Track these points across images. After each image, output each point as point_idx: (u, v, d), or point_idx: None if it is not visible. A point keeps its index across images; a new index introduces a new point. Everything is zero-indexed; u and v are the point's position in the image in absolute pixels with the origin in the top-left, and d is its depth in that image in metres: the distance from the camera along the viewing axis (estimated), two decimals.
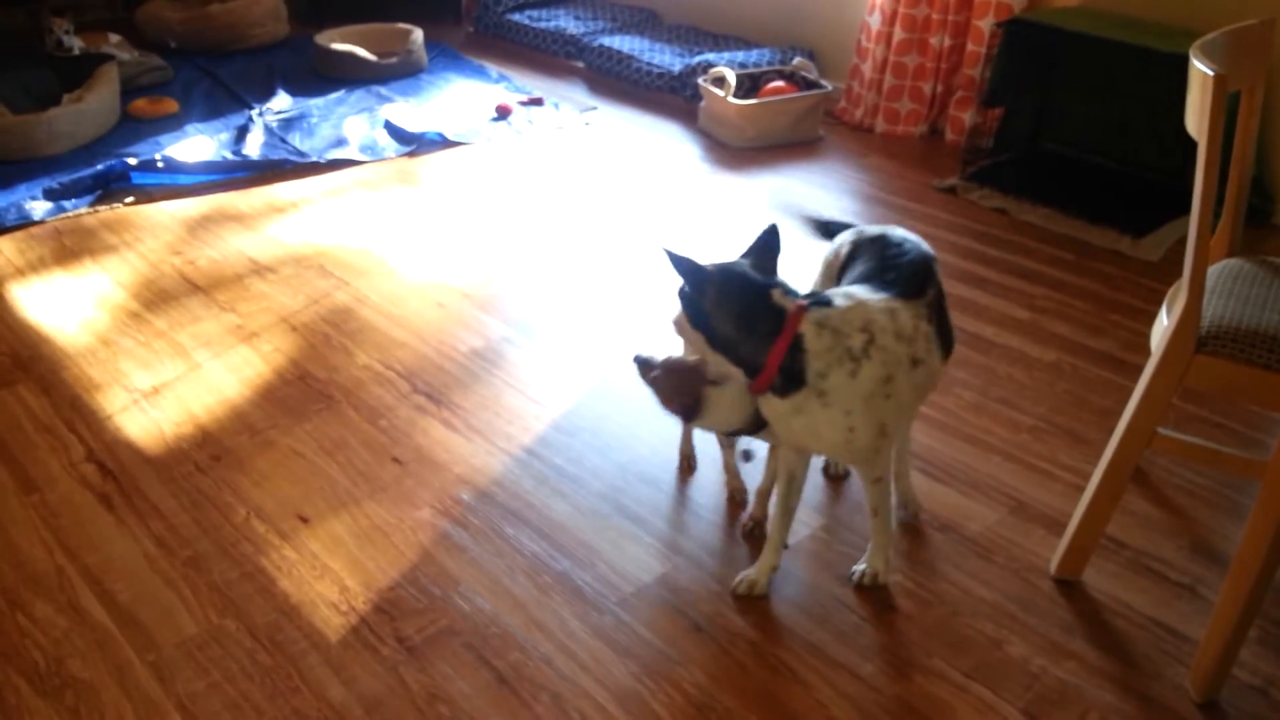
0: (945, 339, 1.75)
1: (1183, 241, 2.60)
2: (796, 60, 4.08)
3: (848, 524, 1.95)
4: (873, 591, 1.79)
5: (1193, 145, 1.52)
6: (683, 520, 1.95)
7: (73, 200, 3.14)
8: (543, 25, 4.93)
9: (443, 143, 3.79)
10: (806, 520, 1.96)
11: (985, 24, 3.70)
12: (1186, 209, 1.67)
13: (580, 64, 4.80)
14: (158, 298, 2.67)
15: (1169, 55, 2.99)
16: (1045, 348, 2.59)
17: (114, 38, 4.21)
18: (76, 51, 3.97)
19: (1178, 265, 2.95)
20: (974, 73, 3.81)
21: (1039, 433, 2.25)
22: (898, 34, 3.91)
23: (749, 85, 3.98)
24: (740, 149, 3.87)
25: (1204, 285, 1.55)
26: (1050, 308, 2.79)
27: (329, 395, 2.29)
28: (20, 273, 2.77)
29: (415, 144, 3.75)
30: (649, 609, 1.74)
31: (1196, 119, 1.50)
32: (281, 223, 3.13)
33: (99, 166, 3.29)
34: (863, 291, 1.65)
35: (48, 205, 3.09)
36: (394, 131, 3.82)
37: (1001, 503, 2.03)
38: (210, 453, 2.10)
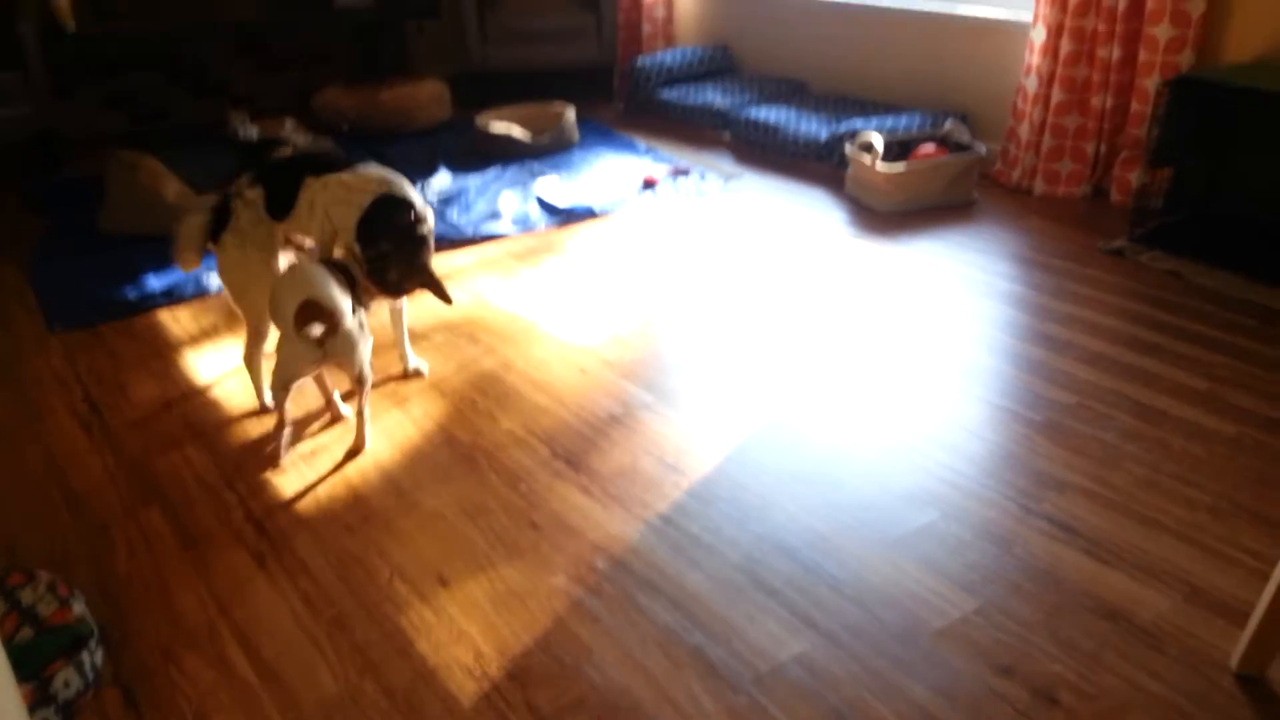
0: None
1: None
2: (948, 124, 3.99)
3: (1002, 606, 1.83)
4: (1031, 682, 1.66)
5: None
6: (820, 595, 1.87)
7: None
8: (691, 100, 5.01)
9: (589, 214, 3.87)
10: (957, 603, 1.84)
11: (1151, 83, 3.53)
12: None
13: (727, 135, 4.84)
14: None
15: None
16: (1225, 420, 2.39)
17: (289, 123, 4.52)
18: (255, 137, 4.28)
19: None
20: (1140, 132, 3.64)
21: (1218, 513, 2.07)
22: (1056, 95, 3.79)
23: (898, 150, 3.92)
24: (889, 214, 3.80)
25: None
26: (1230, 377, 2.58)
27: (472, 459, 2.33)
28: (195, 340, 2.95)
29: (564, 216, 3.84)
30: (785, 690, 1.66)
31: None
32: None
33: None
34: None
35: None
36: (545, 205, 3.93)
37: (1176, 588, 1.86)
38: (360, 514, 2.16)
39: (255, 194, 2.43)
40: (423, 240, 2.38)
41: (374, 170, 2.45)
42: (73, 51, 4.55)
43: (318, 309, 2.15)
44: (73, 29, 4.50)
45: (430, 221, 2.42)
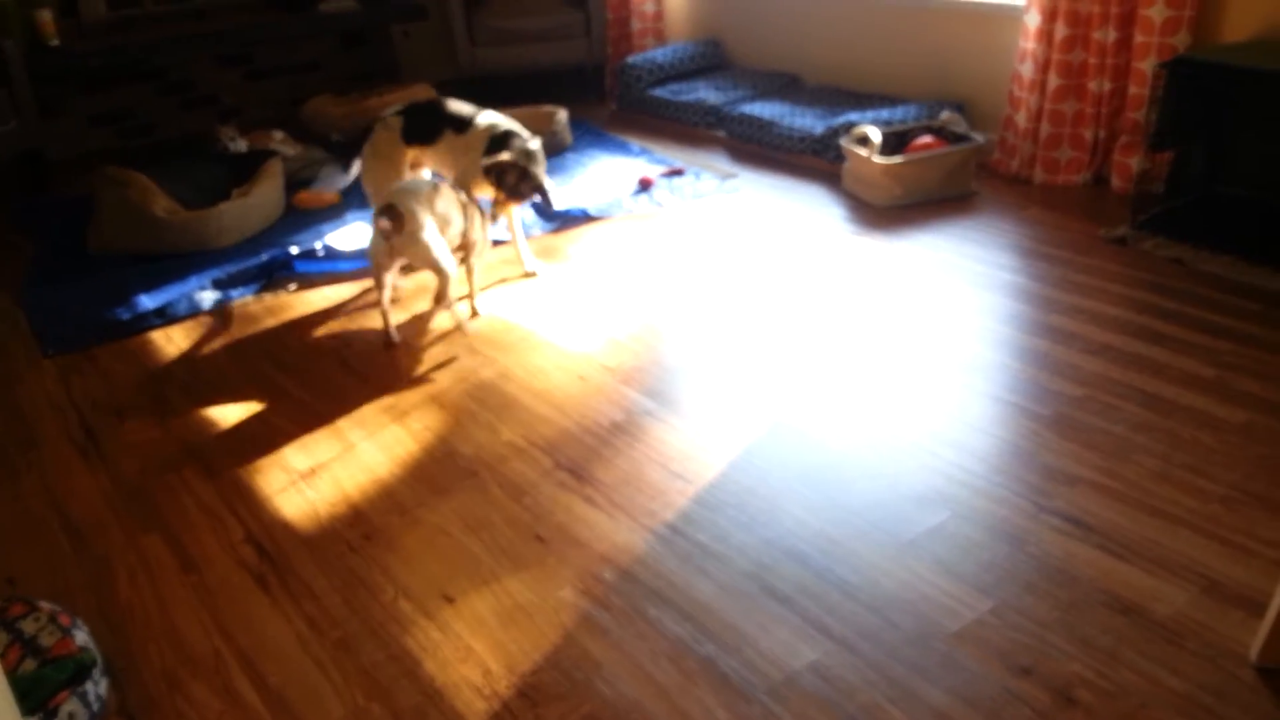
0: None
1: None
2: (945, 114, 3.96)
3: (1017, 605, 1.80)
4: (1049, 682, 1.64)
5: None
6: (832, 601, 1.84)
7: (239, 289, 3.32)
8: (683, 98, 4.97)
9: (585, 218, 3.83)
10: (972, 604, 1.82)
11: (1147, 65, 3.50)
12: None
13: (721, 133, 4.81)
14: (316, 380, 2.76)
15: None
16: (1235, 408, 2.36)
17: (278, 134, 4.48)
18: (245, 150, 4.24)
19: None
20: (1139, 116, 3.61)
21: (1232, 503, 2.04)
22: (1053, 81, 3.76)
23: (895, 143, 3.88)
24: (887, 208, 3.77)
25: None
26: (1238, 364, 2.56)
27: (474, 472, 2.30)
28: (190, 360, 2.92)
29: (559, 221, 3.80)
30: (800, 699, 1.64)
31: None
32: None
33: (263, 256, 3.47)
34: None
35: (216, 295, 3.27)
36: (539, 210, 3.89)
37: (1192, 581, 1.84)
38: (361, 532, 2.13)
39: (396, 121, 3.22)
40: (532, 155, 3.11)
41: (488, 119, 3.22)
42: (57, 67, 4.51)
43: (393, 212, 2.73)
44: (56, 44, 4.47)
45: (536, 144, 3.15)
